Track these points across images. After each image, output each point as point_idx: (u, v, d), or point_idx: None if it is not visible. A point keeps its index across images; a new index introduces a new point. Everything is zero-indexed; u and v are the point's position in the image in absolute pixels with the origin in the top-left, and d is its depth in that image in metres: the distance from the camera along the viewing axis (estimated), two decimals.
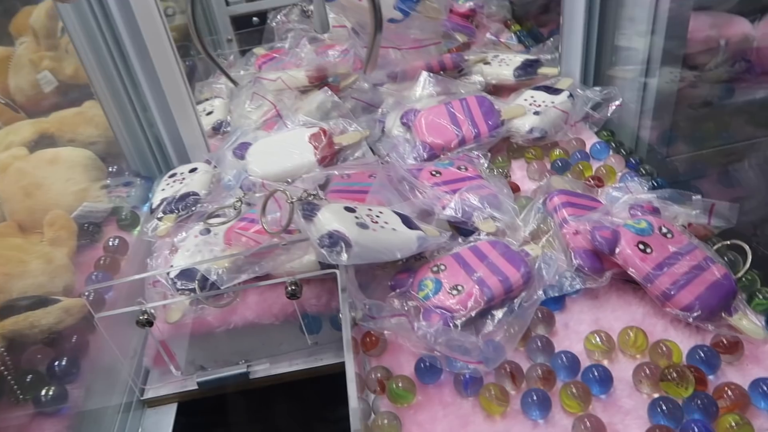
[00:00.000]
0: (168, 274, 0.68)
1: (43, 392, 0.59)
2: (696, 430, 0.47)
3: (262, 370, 0.70)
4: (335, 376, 0.71)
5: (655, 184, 0.74)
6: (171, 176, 0.88)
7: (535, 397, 0.51)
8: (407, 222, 0.65)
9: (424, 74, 0.95)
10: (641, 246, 0.59)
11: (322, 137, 0.85)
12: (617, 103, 0.90)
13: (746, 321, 0.55)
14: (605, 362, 0.55)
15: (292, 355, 0.72)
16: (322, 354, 0.72)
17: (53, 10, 1.09)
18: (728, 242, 0.63)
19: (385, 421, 0.52)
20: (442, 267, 0.62)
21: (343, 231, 0.58)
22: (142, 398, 0.70)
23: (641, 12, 0.88)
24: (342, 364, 0.70)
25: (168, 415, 0.69)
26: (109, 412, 0.66)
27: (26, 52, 1.22)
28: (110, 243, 0.79)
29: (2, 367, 0.56)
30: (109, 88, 0.90)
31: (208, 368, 0.72)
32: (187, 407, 0.70)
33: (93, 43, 0.87)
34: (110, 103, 0.92)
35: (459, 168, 0.77)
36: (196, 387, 0.70)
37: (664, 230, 0.61)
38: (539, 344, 0.56)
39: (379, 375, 0.56)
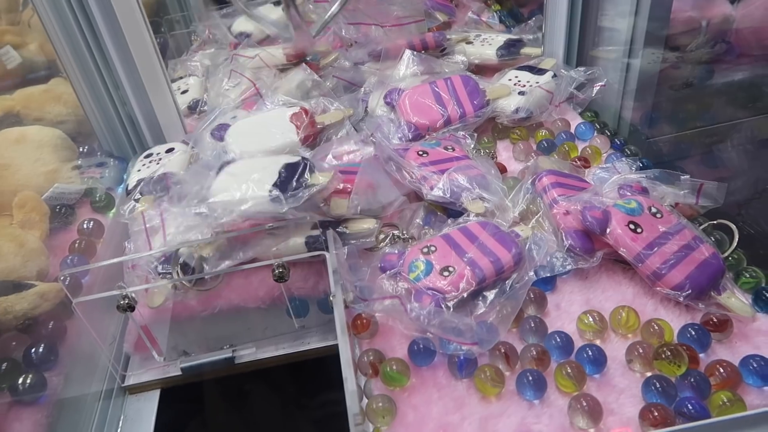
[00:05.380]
0: (150, 257, 0.66)
1: (21, 380, 0.56)
2: (690, 407, 0.47)
3: (247, 354, 0.69)
4: (322, 360, 0.70)
5: (642, 165, 0.74)
6: (147, 156, 0.85)
7: (530, 378, 0.51)
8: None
9: (408, 53, 0.93)
10: (632, 226, 0.59)
11: (304, 117, 0.82)
12: (601, 83, 0.89)
13: (734, 299, 0.56)
14: (597, 342, 0.55)
15: (277, 339, 0.70)
16: (309, 338, 0.70)
17: None
18: (715, 222, 0.63)
19: (380, 404, 0.51)
20: (433, 248, 0.61)
21: None
22: (123, 385, 0.68)
23: None
24: (329, 348, 0.70)
25: (151, 401, 0.67)
26: (89, 400, 0.64)
27: None
28: (85, 226, 0.76)
29: None
30: (79, 64, 0.86)
31: (191, 353, 0.70)
32: (170, 394, 0.68)
33: (61, 16, 0.83)
34: (80, 80, 0.87)
35: (446, 148, 0.76)
36: (179, 373, 0.68)
37: (654, 210, 0.61)
38: (532, 325, 0.56)
39: (371, 358, 0.55)
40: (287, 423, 0.73)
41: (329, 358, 0.69)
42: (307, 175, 0.65)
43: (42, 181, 0.80)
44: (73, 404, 0.62)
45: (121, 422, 0.65)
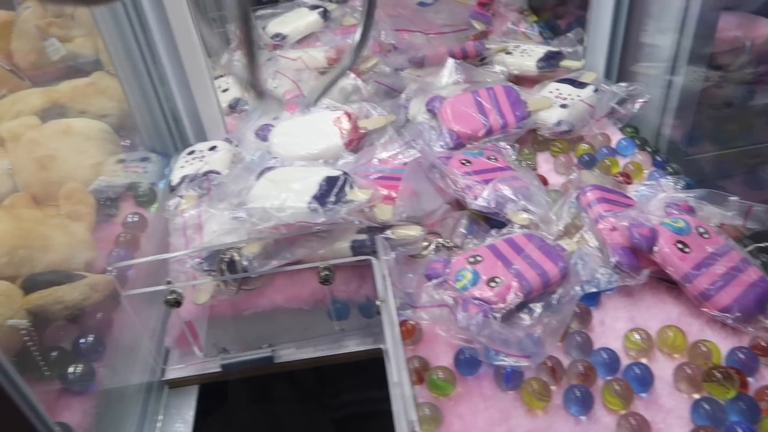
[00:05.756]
0: (195, 254, 0.66)
1: (71, 369, 0.57)
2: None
3: (286, 354, 0.69)
4: (360, 363, 0.71)
5: (686, 183, 0.74)
6: (190, 153, 0.86)
7: (577, 393, 0.51)
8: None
9: (451, 61, 0.94)
10: (680, 245, 0.59)
11: (347, 121, 0.83)
12: (644, 100, 0.89)
13: None
14: (643, 360, 0.55)
15: (316, 341, 0.71)
16: (348, 341, 0.71)
17: None
18: (762, 244, 0.63)
19: (427, 412, 0.51)
20: (479, 258, 0.61)
21: None
22: (163, 379, 0.68)
23: (670, 10, 0.87)
24: (367, 352, 0.70)
25: (190, 396, 0.68)
26: (131, 392, 0.65)
27: (31, 18, 1.18)
28: (129, 219, 0.77)
29: (30, 342, 0.55)
30: (128, 58, 0.87)
31: (230, 351, 0.71)
32: (208, 390, 0.69)
33: (113, 11, 0.84)
34: (128, 74, 0.89)
35: (489, 158, 0.76)
36: (218, 369, 0.69)
37: (701, 230, 0.61)
38: (578, 340, 0.56)
39: (416, 365, 0.56)
40: (324, 423, 0.74)
41: (367, 362, 0.70)
42: (346, 189, 0.66)
43: (87, 174, 0.81)
44: (117, 395, 0.63)
45: (161, 415, 0.66)
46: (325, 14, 1.17)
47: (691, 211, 0.65)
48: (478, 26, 1.20)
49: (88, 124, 0.87)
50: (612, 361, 0.54)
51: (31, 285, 0.59)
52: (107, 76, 1.02)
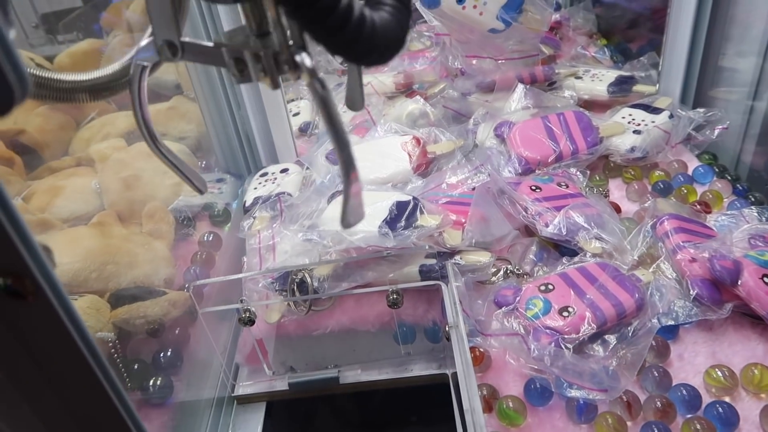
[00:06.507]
0: (267, 274, 0.68)
1: (151, 382, 0.60)
2: None
3: (352, 375, 0.70)
4: (425, 388, 0.70)
5: None
6: (262, 175, 0.89)
7: (656, 430, 0.49)
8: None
9: (521, 87, 0.94)
10: (766, 279, 0.57)
11: (416, 146, 0.84)
12: (723, 126, 0.86)
13: None
14: (727, 399, 0.53)
15: (381, 364, 0.71)
16: (412, 365, 0.71)
17: None
18: None
19: None
20: (551, 286, 0.60)
21: None
22: (232, 395, 0.70)
23: (752, 33, 0.85)
24: (431, 377, 0.70)
25: (257, 413, 0.70)
26: (202, 406, 0.67)
27: (119, 46, 1.26)
28: (205, 238, 0.81)
29: (114, 354, 0.58)
30: (208, 83, 0.92)
31: (297, 370, 0.72)
32: (275, 407, 0.71)
33: (195, 38, 0.89)
34: (207, 98, 0.93)
35: (559, 185, 0.75)
36: (285, 387, 0.70)
37: None
38: (656, 374, 0.54)
39: (484, 393, 0.55)
40: None
41: (431, 387, 0.70)
42: (417, 215, 0.66)
43: (168, 194, 0.85)
44: (190, 409, 0.65)
45: (230, 431, 0.68)
46: None
47: None
48: (546, 50, 1.19)
49: (170, 147, 0.91)
50: (692, 398, 0.52)
51: (116, 299, 0.62)
52: (186, 100, 1.07)
